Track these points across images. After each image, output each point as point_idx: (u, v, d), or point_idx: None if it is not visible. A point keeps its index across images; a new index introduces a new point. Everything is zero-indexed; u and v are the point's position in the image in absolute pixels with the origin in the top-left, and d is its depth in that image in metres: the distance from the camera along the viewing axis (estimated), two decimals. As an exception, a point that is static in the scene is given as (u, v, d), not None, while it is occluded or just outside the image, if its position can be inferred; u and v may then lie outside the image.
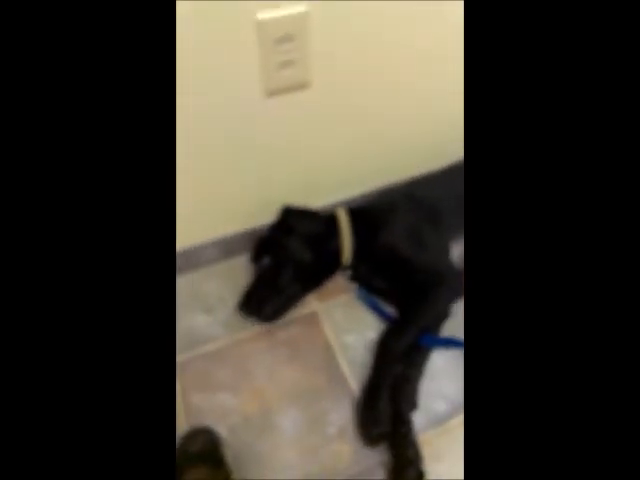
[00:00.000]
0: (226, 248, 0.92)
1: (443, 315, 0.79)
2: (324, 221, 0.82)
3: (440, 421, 0.72)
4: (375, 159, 0.91)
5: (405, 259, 0.77)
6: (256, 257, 0.85)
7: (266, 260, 0.82)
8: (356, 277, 0.84)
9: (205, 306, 0.86)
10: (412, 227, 0.80)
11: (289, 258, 0.79)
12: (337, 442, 0.70)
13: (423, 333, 0.75)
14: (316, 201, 0.92)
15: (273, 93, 0.70)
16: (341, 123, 0.80)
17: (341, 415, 0.73)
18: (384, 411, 0.66)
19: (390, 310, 0.83)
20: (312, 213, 0.83)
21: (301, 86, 0.71)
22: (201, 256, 0.91)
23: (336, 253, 0.81)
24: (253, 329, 0.83)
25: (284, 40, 0.64)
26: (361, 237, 0.80)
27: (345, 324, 0.83)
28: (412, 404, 0.69)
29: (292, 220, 0.81)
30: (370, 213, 0.84)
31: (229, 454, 0.68)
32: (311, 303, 0.87)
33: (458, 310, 0.81)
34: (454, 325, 0.81)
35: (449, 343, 0.77)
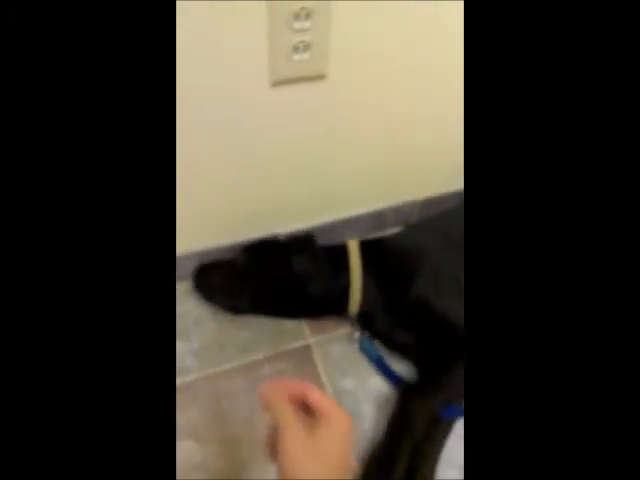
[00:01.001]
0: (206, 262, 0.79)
1: None
2: (329, 264, 0.67)
3: (452, 495, 0.59)
4: (393, 170, 0.79)
5: (442, 314, 0.63)
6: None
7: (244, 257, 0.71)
8: (370, 329, 0.71)
9: (178, 329, 0.73)
10: (449, 274, 0.65)
11: (265, 277, 0.68)
12: (324, 516, 0.57)
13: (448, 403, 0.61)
14: (319, 217, 0.79)
15: (280, 83, 0.58)
16: (357, 125, 0.68)
17: (331, 480, 0.59)
18: None
19: (400, 370, 0.69)
20: (320, 257, 0.68)
21: (315, 77, 0.58)
22: (177, 270, 0.78)
23: (340, 295, 0.67)
24: (232, 362, 0.70)
25: (300, 17, 0.52)
26: (380, 282, 0.66)
27: (343, 364, 0.70)
28: None
29: (296, 254, 0.67)
30: (393, 251, 0.69)
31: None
32: (305, 334, 0.74)
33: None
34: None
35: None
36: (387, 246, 0.70)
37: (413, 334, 0.66)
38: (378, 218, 0.83)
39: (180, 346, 0.71)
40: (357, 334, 0.73)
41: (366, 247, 0.68)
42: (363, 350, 0.71)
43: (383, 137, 0.72)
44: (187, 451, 0.61)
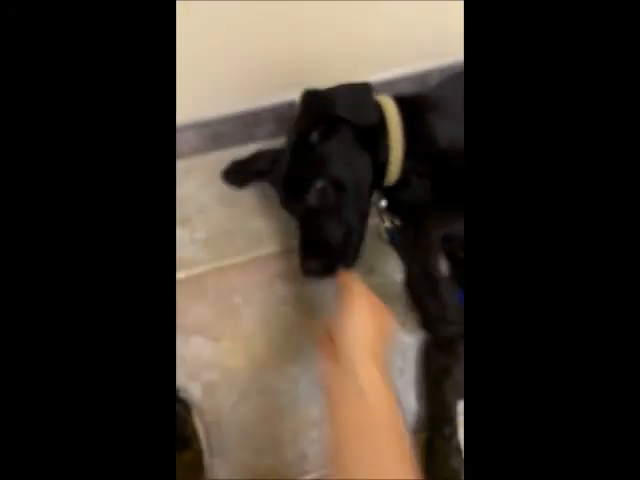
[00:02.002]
0: (213, 135, 0.67)
1: None
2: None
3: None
4: (443, 24, 0.61)
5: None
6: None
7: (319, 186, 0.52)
8: (398, 207, 0.60)
9: (179, 216, 0.63)
10: None
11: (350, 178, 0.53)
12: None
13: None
14: (346, 79, 0.64)
15: None
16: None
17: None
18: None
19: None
20: (364, 96, 0.53)
21: None
22: (177, 143, 0.65)
23: (380, 166, 0.55)
24: (244, 254, 0.62)
25: None
26: (417, 142, 0.54)
27: (369, 260, 0.62)
28: (461, 393, 0.51)
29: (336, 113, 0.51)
30: (432, 106, 0.55)
31: (202, 422, 0.51)
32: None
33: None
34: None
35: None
36: (424, 101, 0.56)
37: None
38: (421, 81, 0.67)
39: (182, 234, 0.62)
40: (385, 224, 0.63)
41: (400, 102, 0.55)
42: (393, 242, 0.62)
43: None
44: (197, 347, 0.56)
